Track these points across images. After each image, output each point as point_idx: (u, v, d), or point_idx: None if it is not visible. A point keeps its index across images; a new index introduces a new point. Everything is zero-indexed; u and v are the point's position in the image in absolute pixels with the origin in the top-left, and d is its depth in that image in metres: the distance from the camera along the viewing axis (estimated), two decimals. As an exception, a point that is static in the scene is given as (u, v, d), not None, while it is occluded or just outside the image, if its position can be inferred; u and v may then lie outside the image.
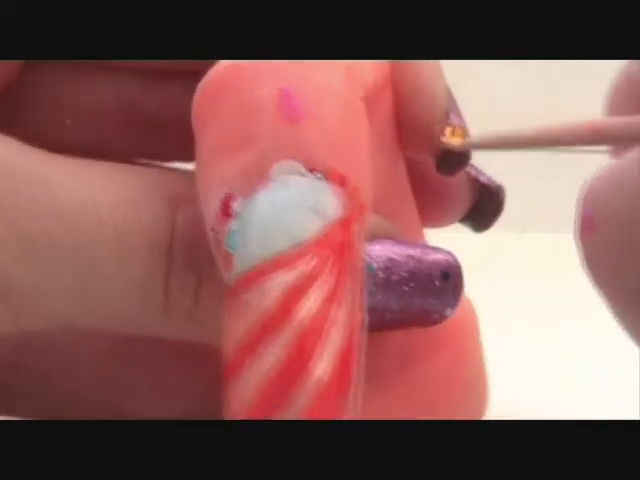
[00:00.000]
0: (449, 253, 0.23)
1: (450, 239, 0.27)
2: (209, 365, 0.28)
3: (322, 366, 0.19)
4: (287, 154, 0.20)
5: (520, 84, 0.64)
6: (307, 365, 0.19)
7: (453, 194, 0.27)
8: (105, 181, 0.22)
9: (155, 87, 0.27)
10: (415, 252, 0.23)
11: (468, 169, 0.27)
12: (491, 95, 0.61)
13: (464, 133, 0.23)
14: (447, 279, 0.23)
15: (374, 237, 0.22)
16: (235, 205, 0.20)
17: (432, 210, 0.27)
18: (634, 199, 0.22)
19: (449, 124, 0.23)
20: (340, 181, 0.20)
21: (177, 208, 0.22)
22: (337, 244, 0.20)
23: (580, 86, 0.69)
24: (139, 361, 0.28)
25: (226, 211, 0.20)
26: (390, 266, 0.23)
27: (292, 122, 0.20)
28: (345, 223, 0.20)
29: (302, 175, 0.20)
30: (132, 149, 0.27)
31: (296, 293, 0.20)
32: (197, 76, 0.25)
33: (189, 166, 0.25)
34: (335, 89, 0.21)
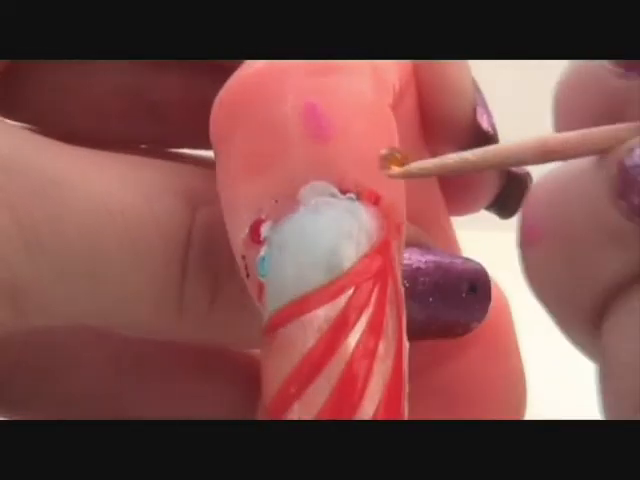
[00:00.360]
0: (478, 264, 0.23)
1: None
2: (223, 370, 0.28)
3: (372, 404, 0.19)
4: (317, 175, 0.19)
5: (520, 84, 0.64)
6: (358, 405, 0.18)
7: (480, 181, 0.26)
8: (118, 176, 0.21)
9: (155, 73, 0.26)
10: (443, 262, 0.23)
11: None
12: (491, 95, 0.61)
13: (403, 161, 0.21)
14: (475, 291, 0.23)
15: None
16: (264, 230, 0.19)
17: (459, 198, 0.26)
18: (582, 206, 0.21)
19: (390, 154, 0.21)
20: (375, 200, 0.19)
21: (195, 206, 0.21)
22: (378, 270, 0.19)
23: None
24: (150, 365, 0.27)
25: (256, 238, 0.19)
26: (417, 275, 0.22)
27: (321, 140, 0.19)
28: (383, 246, 0.19)
29: (334, 197, 0.19)
30: (135, 135, 0.26)
31: (341, 328, 0.19)
32: (197, 63, 0.25)
33: (203, 153, 0.25)
34: (364, 99, 0.20)
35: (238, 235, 0.20)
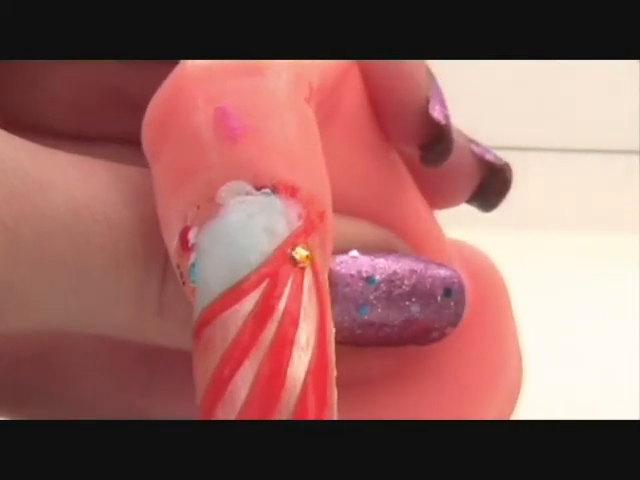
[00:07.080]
0: (453, 270, 0.23)
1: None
2: None
3: (294, 394, 0.19)
4: (232, 175, 0.20)
5: (520, 84, 0.64)
6: (279, 396, 0.19)
7: (459, 174, 0.26)
8: (102, 180, 0.21)
9: (137, 72, 0.26)
10: (418, 267, 0.23)
11: (473, 147, 0.26)
12: (491, 95, 0.61)
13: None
14: (449, 296, 0.23)
15: (377, 250, 0.22)
16: (192, 237, 0.20)
17: (439, 193, 0.26)
18: None
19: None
20: (291, 192, 0.20)
21: None
22: (294, 259, 0.19)
23: (580, 86, 0.69)
24: (165, 367, 0.27)
25: (185, 245, 0.20)
26: (393, 279, 0.22)
27: (232, 141, 0.20)
28: (302, 235, 0.20)
29: (250, 194, 0.19)
30: (116, 132, 0.26)
31: (258, 320, 0.19)
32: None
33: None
34: (274, 97, 0.20)
35: (171, 245, 0.20)
